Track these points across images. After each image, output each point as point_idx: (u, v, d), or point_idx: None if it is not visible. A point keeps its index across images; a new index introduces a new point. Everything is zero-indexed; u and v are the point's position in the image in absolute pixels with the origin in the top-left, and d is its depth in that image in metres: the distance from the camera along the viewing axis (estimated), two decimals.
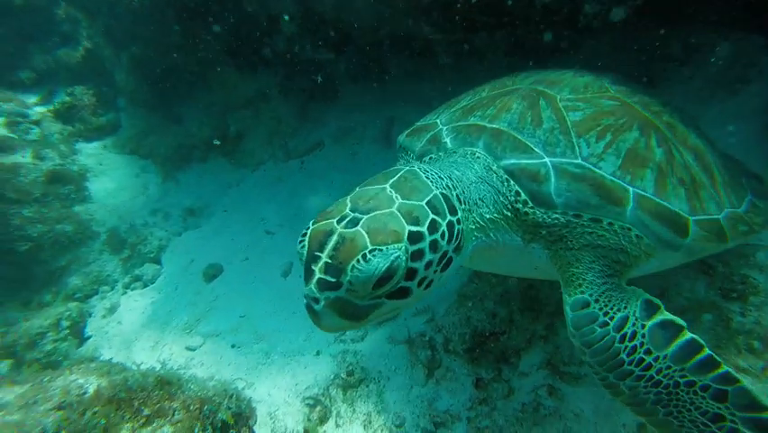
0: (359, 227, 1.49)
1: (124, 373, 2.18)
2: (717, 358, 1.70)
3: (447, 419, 2.41)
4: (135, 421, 1.92)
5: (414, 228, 1.53)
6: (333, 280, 1.43)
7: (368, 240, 1.46)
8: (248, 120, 5.00)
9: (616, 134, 1.95)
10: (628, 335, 1.77)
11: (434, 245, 1.57)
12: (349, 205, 1.58)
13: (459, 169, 1.95)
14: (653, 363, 1.74)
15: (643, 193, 1.85)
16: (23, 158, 4.62)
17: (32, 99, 5.60)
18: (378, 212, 1.55)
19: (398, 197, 1.61)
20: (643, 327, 1.79)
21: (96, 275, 4.30)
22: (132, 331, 3.68)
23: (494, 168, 1.93)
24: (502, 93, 2.22)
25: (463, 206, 1.80)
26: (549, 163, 1.87)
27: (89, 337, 3.86)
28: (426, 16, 3.25)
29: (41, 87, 5.72)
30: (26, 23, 5.55)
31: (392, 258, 1.44)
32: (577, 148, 1.89)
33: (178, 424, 2.01)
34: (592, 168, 1.84)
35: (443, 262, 1.62)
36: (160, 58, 4.68)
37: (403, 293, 1.54)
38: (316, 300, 1.45)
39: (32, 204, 4.24)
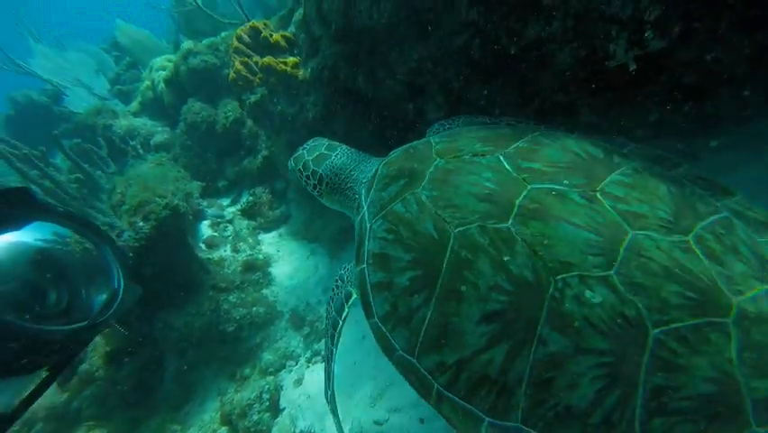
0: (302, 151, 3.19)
1: None
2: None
3: None
4: None
5: (295, 166, 3.13)
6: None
7: (295, 155, 3.20)
8: None
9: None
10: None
11: (302, 179, 3.12)
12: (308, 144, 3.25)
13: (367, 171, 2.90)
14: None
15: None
16: (225, 252, 5.65)
17: (226, 202, 6.90)
18: (299, 153, 3.18)
19: (310, 156, 3.10)
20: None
21: (284, 351, 4.85)
22: (322, 404, 4.02)
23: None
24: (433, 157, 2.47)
25: (327, 184, 3.00)
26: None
27: (284, 409, 4.32)
28: (576, 86, 3.30)
29: (232, 192, 7.04)
30: (223, 142, 7.00)
31: (290, 166, 3.20)
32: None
33: None
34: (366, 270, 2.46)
35: (317, 190, 3.06)
36: None
37: (311, 189, 3.13)
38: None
39: (235, 291, 5.09)
